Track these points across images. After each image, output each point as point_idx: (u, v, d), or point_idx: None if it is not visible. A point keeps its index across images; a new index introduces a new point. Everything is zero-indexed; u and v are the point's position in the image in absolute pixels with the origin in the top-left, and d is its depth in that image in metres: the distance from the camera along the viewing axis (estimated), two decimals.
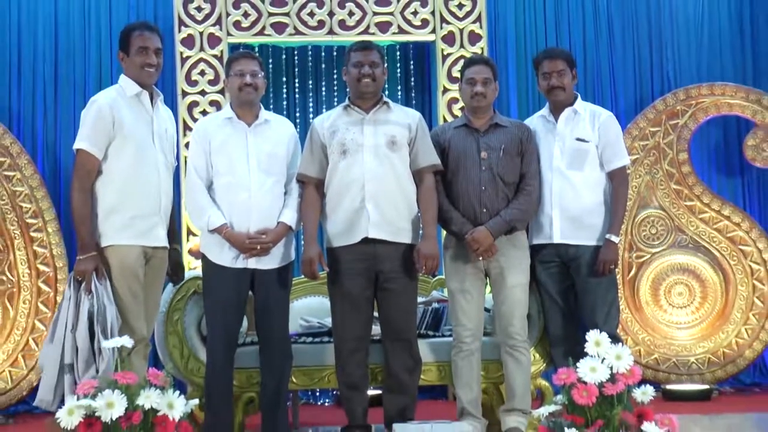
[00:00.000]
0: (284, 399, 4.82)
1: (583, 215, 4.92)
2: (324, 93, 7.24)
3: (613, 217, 4.92)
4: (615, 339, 4.74)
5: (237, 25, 6.85)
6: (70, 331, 4.16)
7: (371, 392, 4.99)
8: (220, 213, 4.66)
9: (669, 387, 6.59)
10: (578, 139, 4.96)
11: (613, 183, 4.97)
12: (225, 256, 4.67)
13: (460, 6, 6.97)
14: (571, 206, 4.92)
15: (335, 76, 7.21)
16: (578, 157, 4.95)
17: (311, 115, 7.13)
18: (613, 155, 4.98)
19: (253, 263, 4.67)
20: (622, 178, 5.02)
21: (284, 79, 7.17)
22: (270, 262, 4.71)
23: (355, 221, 4.74)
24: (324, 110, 7.10)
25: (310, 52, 7.22)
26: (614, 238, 4.88)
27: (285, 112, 7.05)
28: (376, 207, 4.71)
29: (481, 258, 4.82)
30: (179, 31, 6.79)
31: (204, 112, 6.58)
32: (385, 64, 4.92)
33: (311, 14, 6.89)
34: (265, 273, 4.70)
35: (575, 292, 4.96)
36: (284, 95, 7.17)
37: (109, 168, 4.39)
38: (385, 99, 4.89)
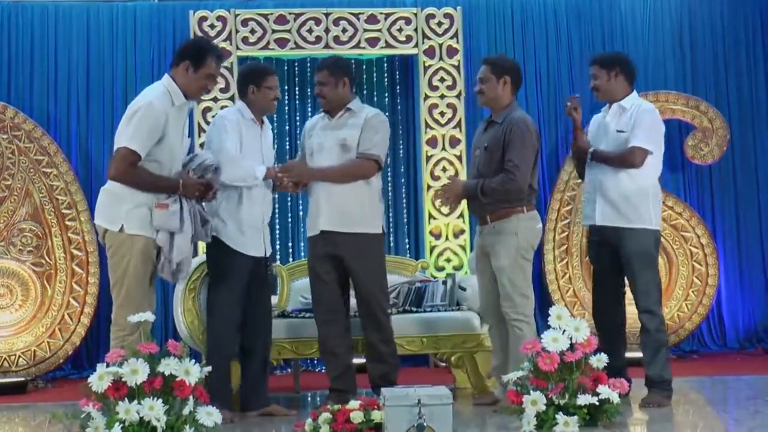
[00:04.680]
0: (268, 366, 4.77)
1: (619, 201, 4.65)
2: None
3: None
4: (650, 312, 4.59)
5: (245, 40, 6.81)
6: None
7: (358, 360, 4.92)
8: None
9: None
10: (618, 131, 4.69)
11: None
12: (248, 246, 4.57)
13: (440, 24, 6.94)
14: (609, 193, 4.66)
15: None
16: (618, 148, 4.68)
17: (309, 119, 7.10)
18: (633, 136, 4.62)
19: (261, 252, 4.62)
20: (634, 157, 4.61)
21: (286, 87, 7.10)
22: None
23: (315, 215, 4.74)
24: None
25: (308, 64, 7.16)
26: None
27: (287, 116, 7.04)
28: (328, 202, 4.68)
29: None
30: None
31: None
32: (342, 78, 4.74)
33: (310, 31, 6.85)
34: (263, 258, 4.67)
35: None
36: (286, 102, 7.12)
37: (145, 166, 4.13)
38: (350, 106, 4.77)
